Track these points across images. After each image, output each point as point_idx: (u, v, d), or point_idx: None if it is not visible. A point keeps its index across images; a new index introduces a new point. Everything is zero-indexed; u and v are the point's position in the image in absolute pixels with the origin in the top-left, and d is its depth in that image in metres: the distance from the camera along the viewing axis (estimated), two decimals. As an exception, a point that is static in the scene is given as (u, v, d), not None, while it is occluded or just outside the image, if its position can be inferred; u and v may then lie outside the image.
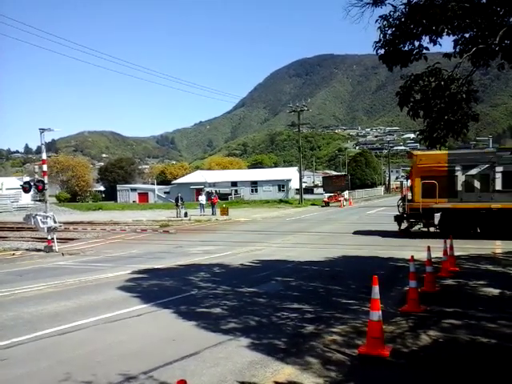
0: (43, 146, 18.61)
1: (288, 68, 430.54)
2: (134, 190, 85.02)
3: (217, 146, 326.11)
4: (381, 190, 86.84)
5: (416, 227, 20.63)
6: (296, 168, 70.85)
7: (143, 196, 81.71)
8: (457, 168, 19.65)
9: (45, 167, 18.61)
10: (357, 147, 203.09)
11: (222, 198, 58.88)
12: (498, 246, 16.42)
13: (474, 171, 19.39)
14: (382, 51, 8.85)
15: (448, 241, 11.54)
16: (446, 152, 20.51)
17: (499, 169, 18.92)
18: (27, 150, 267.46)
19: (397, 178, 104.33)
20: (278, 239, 20.45)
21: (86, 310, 8.49)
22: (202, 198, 39.68)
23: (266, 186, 73.44)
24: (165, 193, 79.14)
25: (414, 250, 11.83)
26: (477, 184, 19.35)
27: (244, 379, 5.11)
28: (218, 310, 8.20)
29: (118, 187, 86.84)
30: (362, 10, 8.82)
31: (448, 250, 11.29)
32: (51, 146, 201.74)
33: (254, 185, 74.49)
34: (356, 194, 66.69)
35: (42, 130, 18.26)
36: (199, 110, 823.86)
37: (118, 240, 22.53)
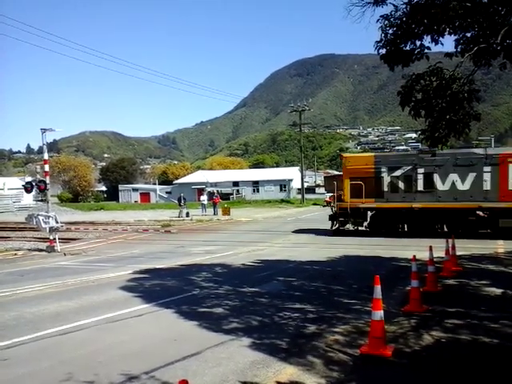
0: (45, 146, 18.62)
1: (289, 68, 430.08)
2: (135, 190, 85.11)
3: (218, 146, 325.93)
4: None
5: (349, 226, 21.62)
6: (297, 168, 70.85)
7: (145, 196, 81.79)
8: (383, 169, 20.76)
9: (46, 167, 18.63)
10: (358, 147, 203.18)
11: (224, 198, 58.86)
12: (500, 246, 16.41)
13: (398, 173, 20.50)
14: (383, 51, 8.85)
15: (450, 240, 11.53)
16: (373, 154, 22.38)
17: (421, 170, 20.06)
18: (29, 150, 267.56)
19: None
20: (279, 239, 20.45)
21: (88, 310, 8.49)
22: (204, 198, 39.68)
23: (268, 186, 73.42)
24: (166, 193, 79.20)
25: (416, 250, 11.81)
26: (401, 185, 20.47)
27: (246, 379, 5.11)
28: (219, 310, 8.20)
29: (120, 187, 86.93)
30: (363, 9, 8.83)
31: (450, 249, 11.28)
32: (53, 146, 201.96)
33: (256, 185, 74.48)
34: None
35: (44, 130, 18.27)
36: (200, 110, 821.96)
37: (119, 240, 22.55)
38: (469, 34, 8.69)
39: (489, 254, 14.56)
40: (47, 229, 18.26)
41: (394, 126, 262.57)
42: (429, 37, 8.56)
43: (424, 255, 11.05)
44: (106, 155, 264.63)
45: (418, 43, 8.71)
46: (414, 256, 8.11)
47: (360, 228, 21.44)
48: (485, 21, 8.10)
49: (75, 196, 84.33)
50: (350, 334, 6.63)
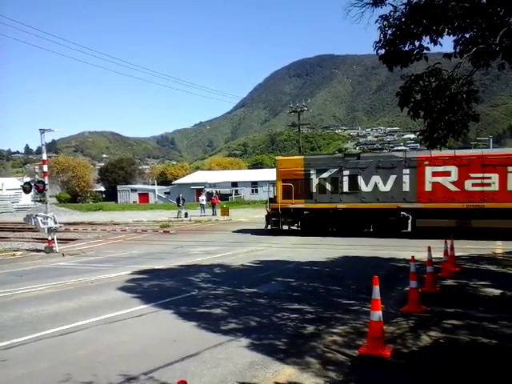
0: (43, 147, 18.61)
1: (288, 68, 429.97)
2: (134, 190, 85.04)
3: (217, 147, 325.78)
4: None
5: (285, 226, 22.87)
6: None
7: (143, 196, 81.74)
8: (312, 172, 21.87)
9: (45, 168, 18.61)
10: (357, 147, 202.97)
11: (223, 199, 58.84)
12: (498, 247, 16.43)
13: (325, 175, 21.64)
14: (382, 51, 8.85)
15: (448, 241, 11.54)
16: (302, 157, 23.63)
17: (346, 172, 21.22)
18: (27, 150, 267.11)
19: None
20: (278, 240, 20.45)
21: (87, 311, 8.49)
22: (203, 199, 39.67)
23: (267, 187, 73.24)
24: (165, 193, 79.15)
25: (415, 251, 11.81)
26: (328, 186, 21.61)
27: (244, 380, 5.10)
28: (218, 311, 8.20)
29: (119, 188, 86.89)
30: (362, 10, 8.82)
31: (449, 250, 11.30)
32: (51, 147, 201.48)
33: (255, 185, 74.38)
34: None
35: (43, 131, 18.26)
36: (199, 111, 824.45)
37: (118, 240, 22.53)
38: (468, 35, 8.69)
39: (487, 254, 14.57)
40: (46, 229, 18.24)
41: (392, 126, 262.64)
42: (428, 37, 8.56)
43: (423, 256, 11.06)
44: (104, 155, 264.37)
45: (416, 44, 8.71)
46: (413, 257, 8.12)
47: (292, 227, 22.76)
48: (484, 21, 8.11)
49: (74, 196, 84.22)
50: (348, 334, 6.64)
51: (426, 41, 8.64)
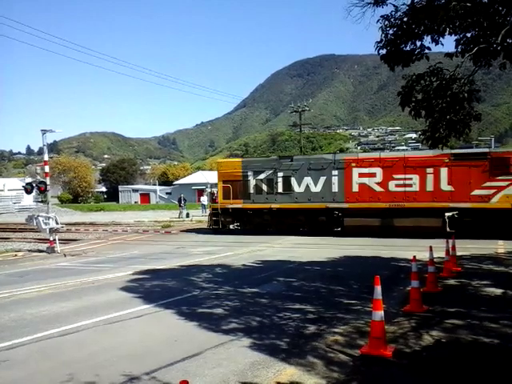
0: (45, 147, 18.63)
1: (289, 68, 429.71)
2: (135, 190, 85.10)
3: (218, 147, 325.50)
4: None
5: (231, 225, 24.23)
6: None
7: (145, 197, 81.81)
8: (249, 173, 23.05)
9: (47, 168, 18.62)
10: (358, 147, 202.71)
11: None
12: (500, 246, 16.40)
13: (262, 176, 22.79)
14: (383, 51, 8.86)
15: (450, 241, 11.52)
16: (241, 159, 25.13)
17: (280, 174, 22.36)
18: (29, 151, 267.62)
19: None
20: (279, 240, 20.44)
21: (88, 311, 8.48)
22: (204, 199, 39.63)
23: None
24: (166, 193, 79.17)
25: (416, 250, 11.80)
26: (264, 187, 22.76)
27: (246, 380, 5.10)
28: (219, 311, 8.19)
29: (120, 188, 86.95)
30: (363, 9, 8.83)
31: (450, 250, 11.28)
32: (53, 147, 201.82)
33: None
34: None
35: (44, 131, 18.26)
36: (200, 111, 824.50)
37: (119, 241, 22.55)
38: (469, 34, 8.69)
39: (489, 254, 14.55)
40: (47, 230, 18.25)
41: (394, 126, 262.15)
42: (429, 37, 8.57)
43: (424, 255, 11.05)
44: (106, 156, 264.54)
45: (418, 43, 8.72)
46: (415, 256, 8.10)
47: (231, 226, 24.10)
48: (485, 21, 8.10)
49: (75, 197, 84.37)
50: (350, 334, 6.63)
51: (427, 40, 8.65)
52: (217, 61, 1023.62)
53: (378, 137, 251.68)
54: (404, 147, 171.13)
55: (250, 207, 23.05)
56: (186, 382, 3.11)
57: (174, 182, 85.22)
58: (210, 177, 78.09)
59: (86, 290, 10.71)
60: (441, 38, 8.54)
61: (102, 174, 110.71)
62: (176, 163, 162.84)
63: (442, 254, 11.29)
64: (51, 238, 18.32)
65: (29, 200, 56.40)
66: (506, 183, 18.58)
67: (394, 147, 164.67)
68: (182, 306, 8.63)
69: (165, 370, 5.42)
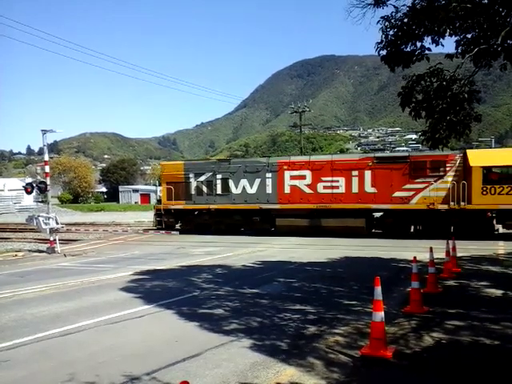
0: (45, 148, 18.63)
1: (289, 69, 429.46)
2: (135, 191, 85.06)
3: (218, 147, 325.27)
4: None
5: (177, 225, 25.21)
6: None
7: (145, 197, 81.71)
8: (190, 175, 24.19)
9: (47, 168, 18.62)
10: (359, 148, 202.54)
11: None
12: (500, 247, 16.41)
13: (202, 178, 23.96)
14: (383, 52, 8.87)
15: (450, 242, 11.53)
16: (183, 162, 26.01)
17: (219, 176, 23.56)
18: (29, 151, 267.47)
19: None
20: (280, 240, 20.45)
21: (88, 311, 8.49)
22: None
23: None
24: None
25: (416, 251, 11.80)
26: (204, 189, 23.91)
27: (246, 380, 5.10)
28: (220, 311, 8.20)
29: (120, 188, 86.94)
30: (363, 10, 8.85)
31: (450, 250, 11.28)
32: (53, 148, 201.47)
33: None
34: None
35: (44, 132, 18.27)
36: (201, 111, 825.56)
37: (119, 241, 22.56)
38: (469, 35, 8.70)
39: (489, 255, 14.55)
40: (47, 230, 18.25)
41: (394, 127, 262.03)
42: (429, 38, 8.57)
43: (424, 256, 11.06)
44: (106, 156, 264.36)
45: (418, 44, 8.73)
46: (415, 257, 8.10)
47: (177, 226, 25.03)
48: (485, 22, 8.12)
49: (75, 197, 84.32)
50: (350, 335, 6.63)
51: (427, 41, 8.67)
52: (217, 61, 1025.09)
53: (378, 137, 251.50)
54: (404, 148, 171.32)
55: (191, 208, 24.18)
56: (187, 382, 3.12)
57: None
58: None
59: (87, 290, 10.71)
60: (441, 39, 8.55)
61: (102, 175, 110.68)
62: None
63: (442, 255, 11.29)
64: (51, 238, 18.32)
65: (29, 200, 56.43)
66: (424, 185, 19.61)
67: (394, 148, 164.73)
68: (182, 306, 8.63)
69: (165, 371, 5.42)
